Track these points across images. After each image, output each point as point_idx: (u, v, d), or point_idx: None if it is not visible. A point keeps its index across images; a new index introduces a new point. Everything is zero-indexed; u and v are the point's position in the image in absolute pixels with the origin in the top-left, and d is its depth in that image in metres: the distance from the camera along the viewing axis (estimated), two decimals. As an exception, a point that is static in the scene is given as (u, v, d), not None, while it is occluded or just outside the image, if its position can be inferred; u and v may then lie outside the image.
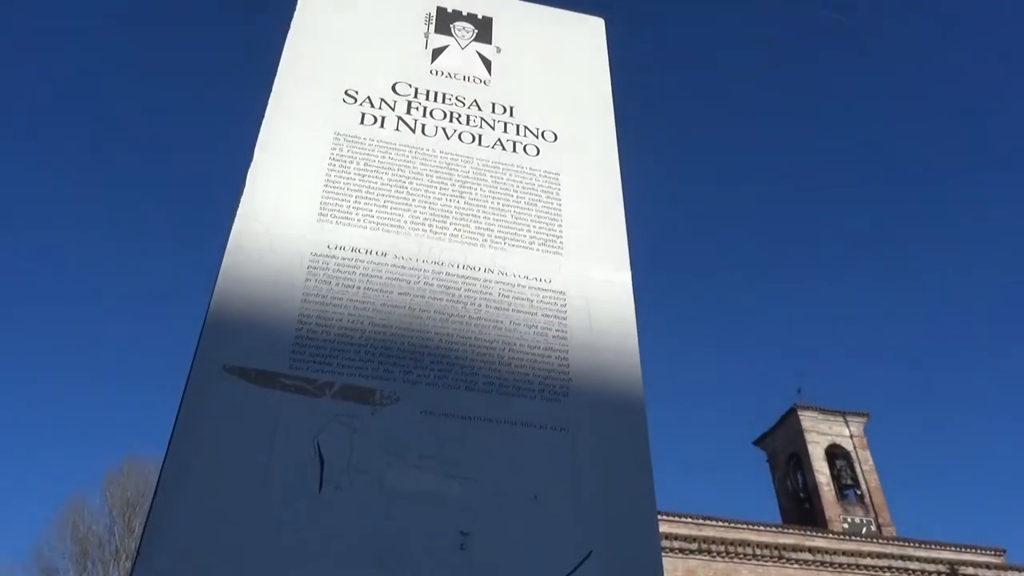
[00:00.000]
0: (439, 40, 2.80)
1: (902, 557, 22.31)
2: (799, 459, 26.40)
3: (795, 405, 26.93)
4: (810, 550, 21.68)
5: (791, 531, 22.77)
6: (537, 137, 2.61)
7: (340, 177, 2.29)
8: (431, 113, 2.57)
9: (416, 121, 2.52)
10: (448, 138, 2.51)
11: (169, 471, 1.70)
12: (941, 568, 22.40)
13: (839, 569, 21.64)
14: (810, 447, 25.80)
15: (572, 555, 1.76)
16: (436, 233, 2.24)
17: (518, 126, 2.62)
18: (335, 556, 1.65)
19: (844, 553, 21.88)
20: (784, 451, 27.22)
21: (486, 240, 2.27)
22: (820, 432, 26.24)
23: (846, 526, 24.12)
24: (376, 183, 2.31)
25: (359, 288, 2.06)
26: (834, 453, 26.00)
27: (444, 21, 2.86)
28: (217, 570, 1.59)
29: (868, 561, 21.94)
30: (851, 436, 26.29)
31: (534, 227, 2.35)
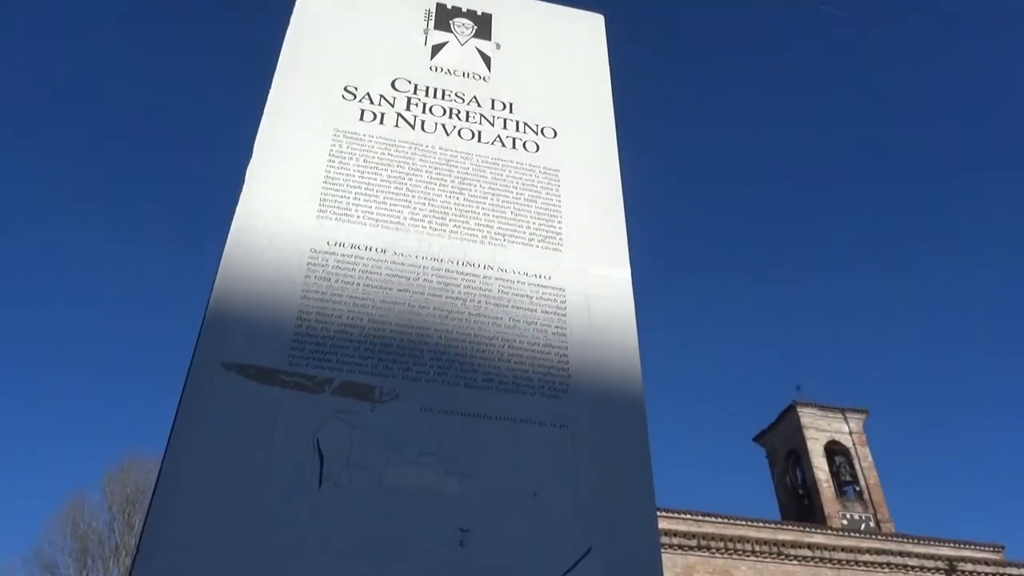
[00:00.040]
0: (438, 36, 2.80)
1: (901, 553, 22.35)
2: (798, 455, 26.44)
3: (794, 402, 26.95)
4: (809, 546, 21.71)
5: (790, 527, 22.80)
6: (537, 133, 2.60)
7: (339, 174, 2.28)
8: (430, 109, 2.56)
9: (415, 117, 2.52)
10: (448, 134, 2.50)
11: (168, 468, 1.70)
12: (940, 564, 22.44)
13: (838, 565, 21.68)
14: (809, 444, 25.83)
15: (571, 551, 1.76)
16: (435, 229, 2.24)
17: (518, 122, 2.62)
18: (334, 553, 1.65)
19: (843, 549, 21.92)
20: (783, 447, 27.25)
21: (486, 237, 2.27)
22: (819, 429, 26.28)
23: (845, 522, 24.16)
24: (375, 180, 2.30)
25: (358, 285, 2.06)
26: (833, 450, 26.04)
27: (443, 17, 2.85)
28: (216, 567, 1.59)
29: (867, 557, 21.97)
30: (850, 433, 26.32)
31: (534, 223, 2.35)
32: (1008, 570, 23.15)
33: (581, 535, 1.79)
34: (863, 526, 24.15)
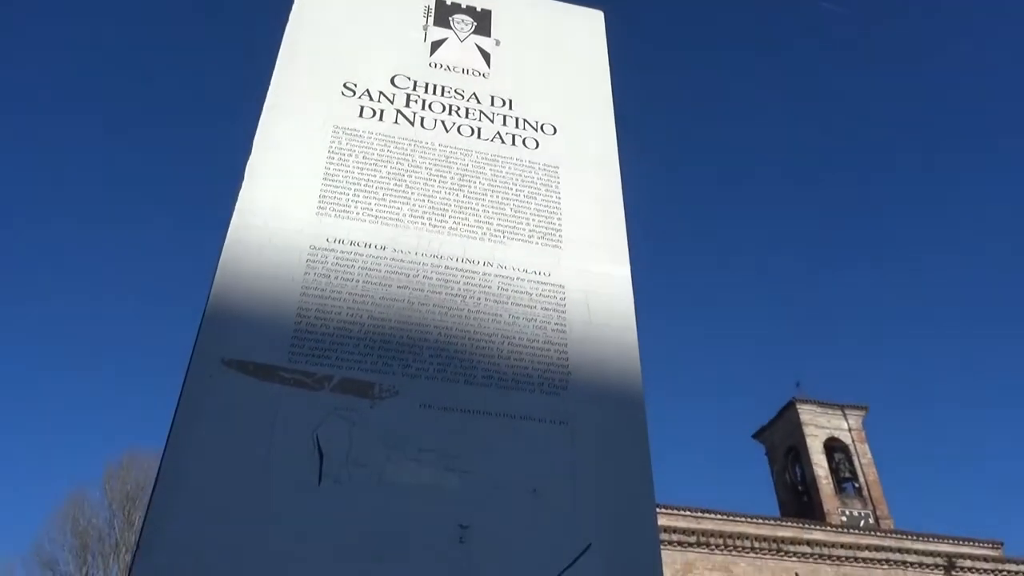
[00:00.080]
0: (438, 33, 2.79)
1: (900, 550, 22.38)
2: (797, 452, 26.45)
3: (794, 398, 26.95)
4: (808, 543, 21.74)
5: (789, 524, 22.82)
6: (536, 130, 2.60)
7: (339, 170, 2.28)
8: (430, 106, 2.56)
9: (415, 114, 2.52)
10: (447, 131, 2.50)
11: (168, 465, 1.70)
12: (939, 561, 22.47)
13: (837, 562, 21.71)
14: (808, 440, 25.84)
15: (571, 548, 1.77)
16: (435, 226, 2.24)
17: (517, 119, 2.62)
18: (334, 549, 1.65)
19: (842, 546, 21.94)
20: (783, 444, 27.28)
21: (485, 233, 2.27)
22: (818, 425, 26.29)
23: (844, 519, 24.18)
24: (375, 176, 2.30)
25: (358, 281, 2.06)
26: (832, 446, 26.04)
27: (443, 14, 2.85)
28: (216, 563, 1.59)
29: (866, 554, 22.00)
30: (849, 429, 26.33)
31: (533, 220, 2.35)
32: (1007, 566, 23.19)
33: (581, 531, 1.80)
34: (862, 523, 24.17)
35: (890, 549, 22.41)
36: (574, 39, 2.97)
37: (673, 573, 19.68)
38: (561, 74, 2.83)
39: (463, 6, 2.89)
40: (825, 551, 21.80)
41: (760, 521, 22.44)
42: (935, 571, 22.46)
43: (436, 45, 2.76)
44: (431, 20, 2.82)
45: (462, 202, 2.32)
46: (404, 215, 2.23)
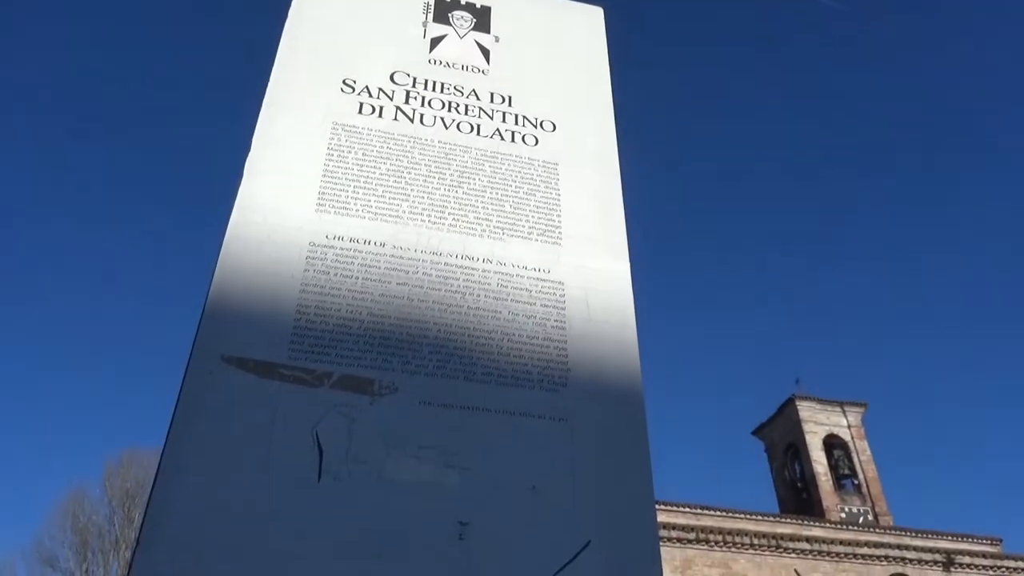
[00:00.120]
0: (437, 29, 2.79)
1: (899, 546, 22.41)
2: (797, 449, 26.48)
3: (793, 395, 26.98)
4: (807, 539, 21.77)
5: (788, 521, 22.86)
6: (536, 127, 2.60)
7: (338, 167, 2.28)
8: (429, 103, 2.56)
9: (414, 111, 2.52)
10: (446, 128, 2.50)
11: (168, 462, 1.70)
12: (937, 557, 22.51)
13: (836, 558, 21.74)
14: (808, 437, 25.87)
15: (571, 544, 1.77)
16: (435, 223, 2.24)
17: (517, 116, 2.61)
18: (334, 546, 1.66)
19: (841, 543, 21.98)
20: (782, 441, 27.30)
21: (485, 230, 2.27)
22: (818, 422, 26.31)
23: (843, 516, 24.21)
24: (374, 173, 2.30)
25: (358, 278, 2.06)
26: (832, 443, 26.07)
27: (442, 10, 2.84)
28: (216, 560, 1.60)
29: (865, 550, 22.03)
30: (849, 426, 26.36)
31: (533, 217, 2.35)
32: (1006, 563, 23.23)
33: (580, 528, 1.80)
34: (861, 519, 24.21)
35: (889, 545, 22.44)
36: (574, 36, 2.96)
37: (672, 570, 19.71)
38: (560, 71, 2.83)
39: (463, 2, 2.89)
40: (824, 547, 21.83)
41: (759, 518, 22.47)
42: (934, 567, 22.50)
43: (436, 41, 2.76)
44: (431, 16, 2.82)
45: (461, 199, 2.32)
46: (403, 212, 2.23)
